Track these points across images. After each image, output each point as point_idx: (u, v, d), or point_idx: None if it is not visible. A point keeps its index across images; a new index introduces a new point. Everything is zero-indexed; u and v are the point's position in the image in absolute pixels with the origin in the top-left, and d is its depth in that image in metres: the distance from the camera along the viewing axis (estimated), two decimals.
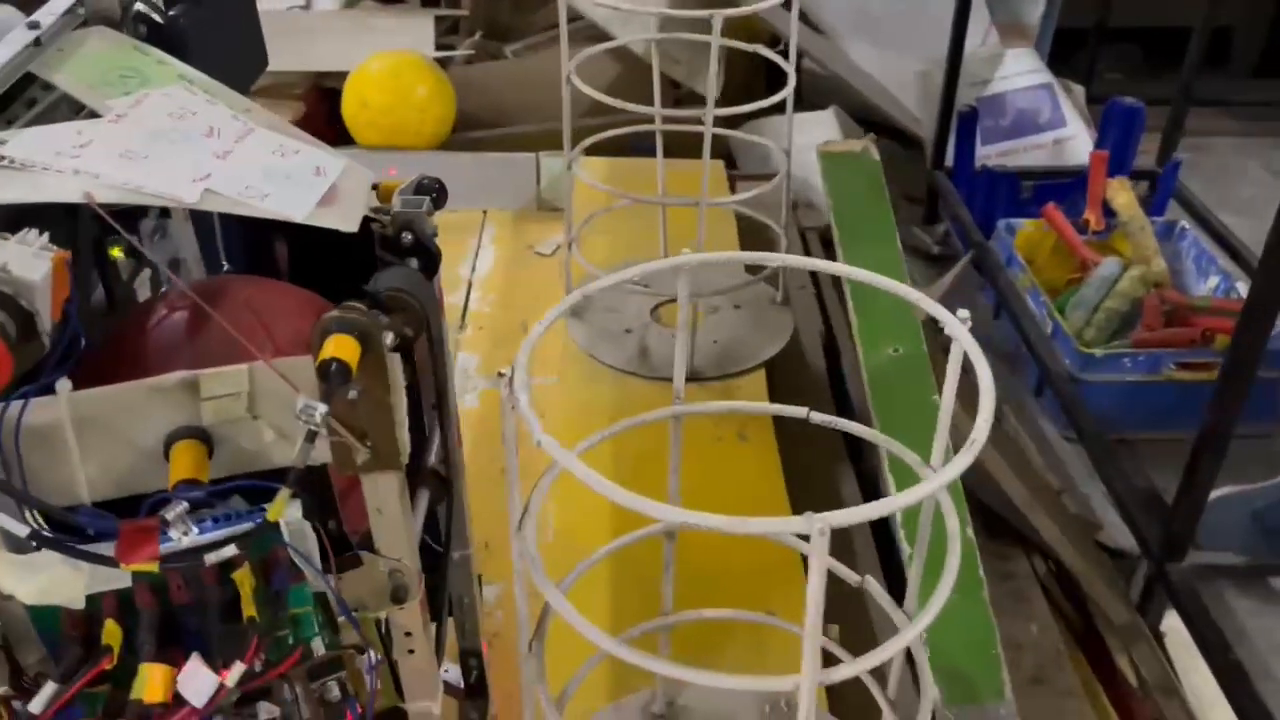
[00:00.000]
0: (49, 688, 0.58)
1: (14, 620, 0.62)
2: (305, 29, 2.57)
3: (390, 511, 0.69)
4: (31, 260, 0.53)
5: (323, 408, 0.57)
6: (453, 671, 1.04)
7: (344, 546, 0.72)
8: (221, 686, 0.59)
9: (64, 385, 0.59)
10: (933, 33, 2.61)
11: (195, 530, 0.59)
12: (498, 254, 2.05)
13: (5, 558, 0.60)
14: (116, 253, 0.85)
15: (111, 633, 0.60)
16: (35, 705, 0.58)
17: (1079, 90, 2.80)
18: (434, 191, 0.81)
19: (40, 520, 0.58)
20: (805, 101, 2.84)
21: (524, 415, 0.66)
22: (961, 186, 2.54)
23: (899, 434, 1.31)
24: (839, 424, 0.87)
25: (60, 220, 0.66)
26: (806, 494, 1.45)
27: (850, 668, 0.66)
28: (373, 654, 0.73)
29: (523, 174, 2.20)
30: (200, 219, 0.83)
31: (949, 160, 2.59)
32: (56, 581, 0.60)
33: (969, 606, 1.14)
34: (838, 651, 0.91)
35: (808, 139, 2.47)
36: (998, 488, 1.37)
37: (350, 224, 0.66)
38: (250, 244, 0.84)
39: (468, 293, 1.93)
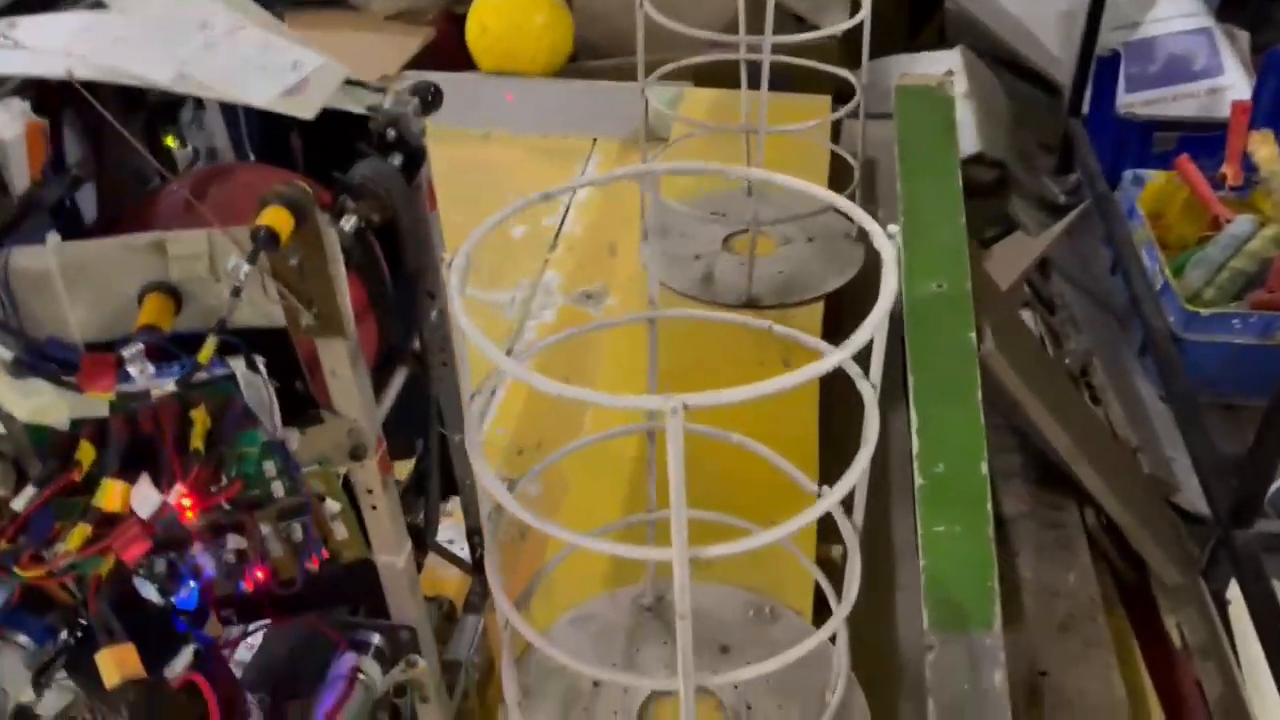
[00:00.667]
0: (28, 490, 0.69)
1: (18, 436, 0.74)
2: None
3: (343, 375, 0.77)
4: (8, 122, 0.63)
5: (246, 266, 0.65)
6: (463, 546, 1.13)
7: (313, 407, 0.80)
8: (164, 504, 0.68)
9: (53, 237, 0.69)
10: None
11: (152, 370, 0.68)
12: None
13: (7, 382, 0.71)
14: (170, 141, 0.96)
15: (85, 451, 0.70)
16: (17, 504, 0.69)
17: (1243, 36, 2.61)
18: (428, 94, 0.88)
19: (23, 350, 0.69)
20: (930, 37, 2.77)
21: (457, 314, 0.71)
22: (1096, 135, 2.44)
23: (930, 368, 1.31)
24: (796, 336, 0.89)
25: (107, 103, 0.76)
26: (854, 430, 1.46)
27: (733, 547, 0.70)
28: (333, 503, 0.82)
29: (633, 103, 2.25)
30: (228, 113, 0.93)
31: (1087, 108, 2.48)
32: (46, 405, 0.71)
33: (970, 539, 1.15)
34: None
35: None
36: (1043, 435, 1.35)
37: (307, 112, 0.74)
38: (270, 137, 0.92)
39: (564, 215, 2.01)
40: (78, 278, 0.70)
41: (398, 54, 2.28)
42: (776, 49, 1.42)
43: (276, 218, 0.66)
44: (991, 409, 1.70)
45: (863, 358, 0.74)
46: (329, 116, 0.88)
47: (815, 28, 2.63)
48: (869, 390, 0.74)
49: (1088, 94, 2.48)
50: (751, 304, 1.56)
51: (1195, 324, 1.84)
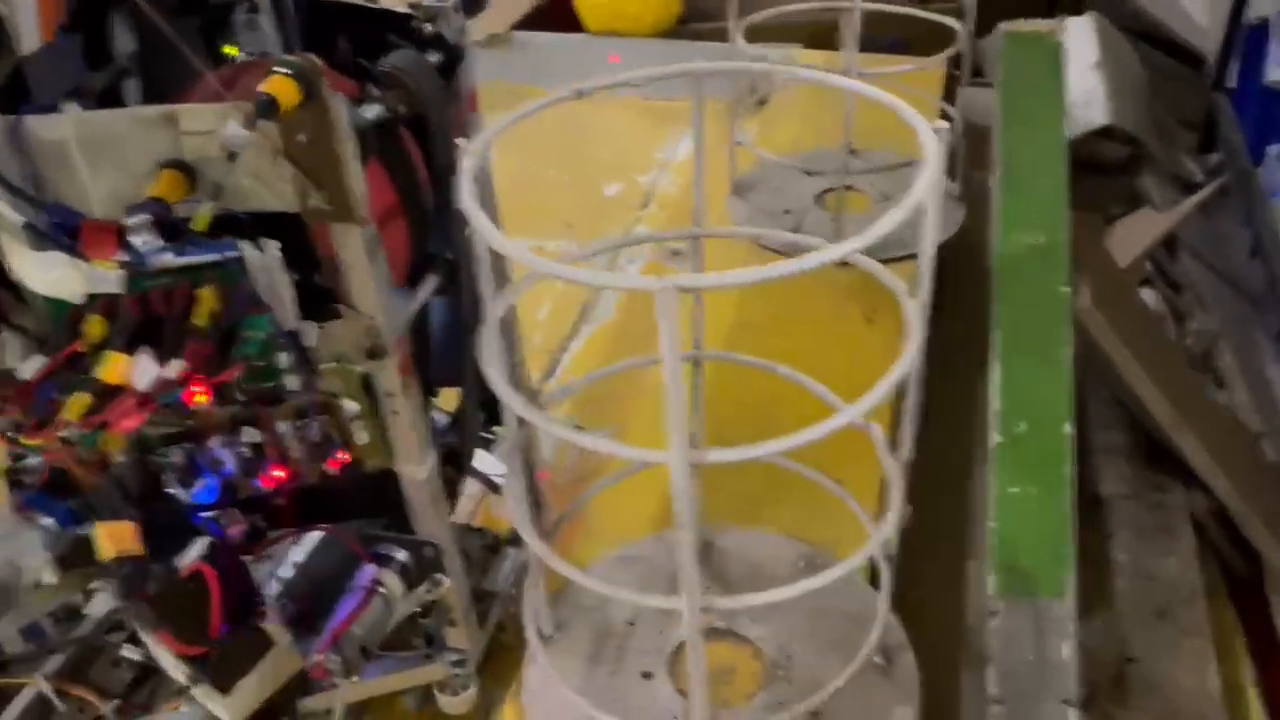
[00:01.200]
0: (35, 359, 0.69)
1: (40, 312, 0.74)
2: None
3: (359, 266, 0.75)
4: None
5: (242, 131, 0.63)
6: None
7: (332, 301, 0.79)
8: (161, 377, 0.67)
9: (70, 107, 0.69)
10: None
11: (159, 242, 0.67)
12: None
13: (27, 255, 0.72)
14: (230, 50, 0.97)
15: (93, 325, 0.70)
16: (24, 371, 0.69)
17: None
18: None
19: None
20: (1067, 6, 2.62)
21: (472, 214, 0.68)
22: (1242, 110, 2.26)
23: (1018, 322, 1.23)
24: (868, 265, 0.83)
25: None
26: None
27: (733, 453, 0.65)
28: (350, 405, 0.80)
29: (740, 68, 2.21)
30: (278, 16, 0.92)
31: (1233, 81, 2.31)
32: (62, 278, 0.71)
33: (1047, 501, 1.06)
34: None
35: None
36: (1143, 405, 1.25)
37: None
38: (317, 40, 0.91)
39: (657, 175, 1.97)
40: (94, 151, 0.70)
41: (508, 14, 2.28)
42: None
43: (280, 86, 0.64)
44: (1096, 381, 1.59)
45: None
46: (374, 17, 0.87)
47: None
48: (900, 287, 0.68)
49: (1234, 67, 2.30)
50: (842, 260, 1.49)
51: None
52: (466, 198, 0.68)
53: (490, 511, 1.27)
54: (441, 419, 1.01)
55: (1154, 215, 1.98)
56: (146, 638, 0.78)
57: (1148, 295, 1.87)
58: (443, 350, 0.98)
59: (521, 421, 0.81)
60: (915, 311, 0.72)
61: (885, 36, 2.04)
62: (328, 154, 0.69)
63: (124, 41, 0.85)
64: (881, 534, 0.78)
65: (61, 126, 0.69)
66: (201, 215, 0.65)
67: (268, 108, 0.63)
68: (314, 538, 0.93)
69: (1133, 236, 1.91)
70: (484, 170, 0.77)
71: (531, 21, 2.31)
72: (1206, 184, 2.31)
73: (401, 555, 0.91)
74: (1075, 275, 1.19)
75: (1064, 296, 1.17)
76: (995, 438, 1.12)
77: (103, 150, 0.70)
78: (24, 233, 0.70)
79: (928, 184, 0.65)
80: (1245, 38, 2.24)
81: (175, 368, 0.68)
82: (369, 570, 0.89)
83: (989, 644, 1.00)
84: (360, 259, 0.75)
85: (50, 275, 0.71)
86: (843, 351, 1.37)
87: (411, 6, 0.83)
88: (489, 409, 1.01)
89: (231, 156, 0.64)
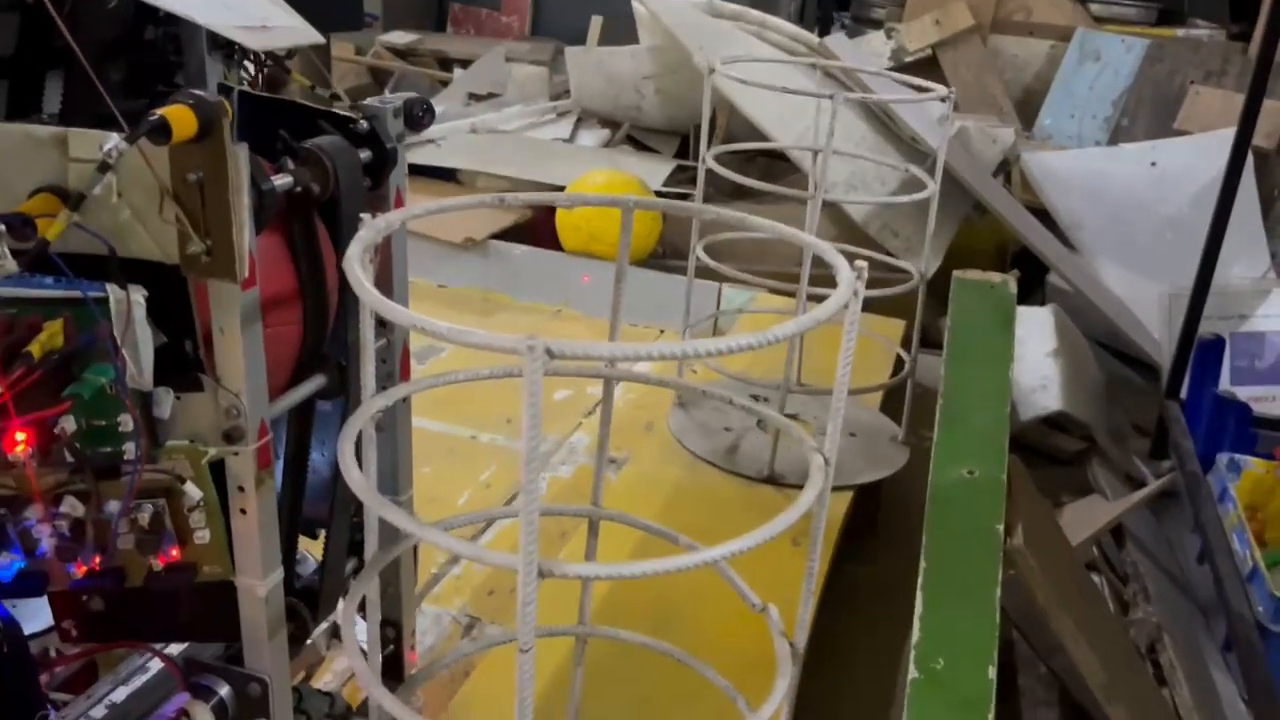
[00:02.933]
0: None
1: None
2: (561, 154, 2.80)
3: (230, 332, 0.69)
4: None
5: (122, 144, 0.59)
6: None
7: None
8: None
9: None
10: (1195, 264, 2.43)
11: (9, 261, 0.62)
12: (654, 368, 2.06)
13: None
14: None
15: None
16: None
17: None
18: (418, 109, 0.85)
19: None
20: (1032, 300, 2.72)
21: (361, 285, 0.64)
22: (1193, 419, 2.28)
23: (945, 555, 1.16)
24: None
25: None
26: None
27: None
28: (193, 491, 0.72)
29: (707, 301, 2.24)
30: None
31: (1185, 392, 2.35)
32: None
33: None
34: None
35: (1021, 333, 2.34)
36: (1073, 667, 1.16)
37: (255, 44, 0.70)
38: (257, 132, 0.89)
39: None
40: None
41: (490, 223, 2.34)
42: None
43: (177, 114, 0.61)
44: (1028, 655, 1.50)
45: None
46: (314, 114, 0.85)
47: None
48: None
49: (1187, 378, 2.35)
50: (772, 480, 1.44)
51: None
52: (353, 262, 0.63)
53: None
54: (311, 562, 0.92)
55: (1102, 503, 1.95)
56: None
57: (1093, 579, 1.81)
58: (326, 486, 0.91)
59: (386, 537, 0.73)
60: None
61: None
62: (218, 201, 0.65)
63: (51, 101, 0.83)
64: None
65: None
66: (55, 224, 0.60)
67: (157, 128, 0.60)
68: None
69: (1081, 521, 1.87)
70: (398, 256, 0.73)
71: (511, 234, 2.36)
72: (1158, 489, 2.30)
73: (224, 690, 0.80)
74: (1010, 515, 1.14)
75: (996, 533, 1.11)
76: (912, 672, 1.03)
77: None
78: None
79: (834, 305, 0.61)
80: (1198, 350, 2.30)
81: None
82: (178, 700, 0.77)
83: None
84: (233, 324, 0.69)
85: None
86: (761, 567, 1.29)
87: (352, 108, 0.82)
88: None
89: (103, 168, 0.60)
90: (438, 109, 0.91)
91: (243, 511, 0.74)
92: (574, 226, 2.28)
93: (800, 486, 1.43)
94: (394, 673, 0.99)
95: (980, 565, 1.09)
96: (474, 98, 3.57)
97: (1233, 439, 2.14)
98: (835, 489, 1.46)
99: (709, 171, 1.59)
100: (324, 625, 0.91)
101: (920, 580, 1.10)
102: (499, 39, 4.24)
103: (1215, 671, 1.68)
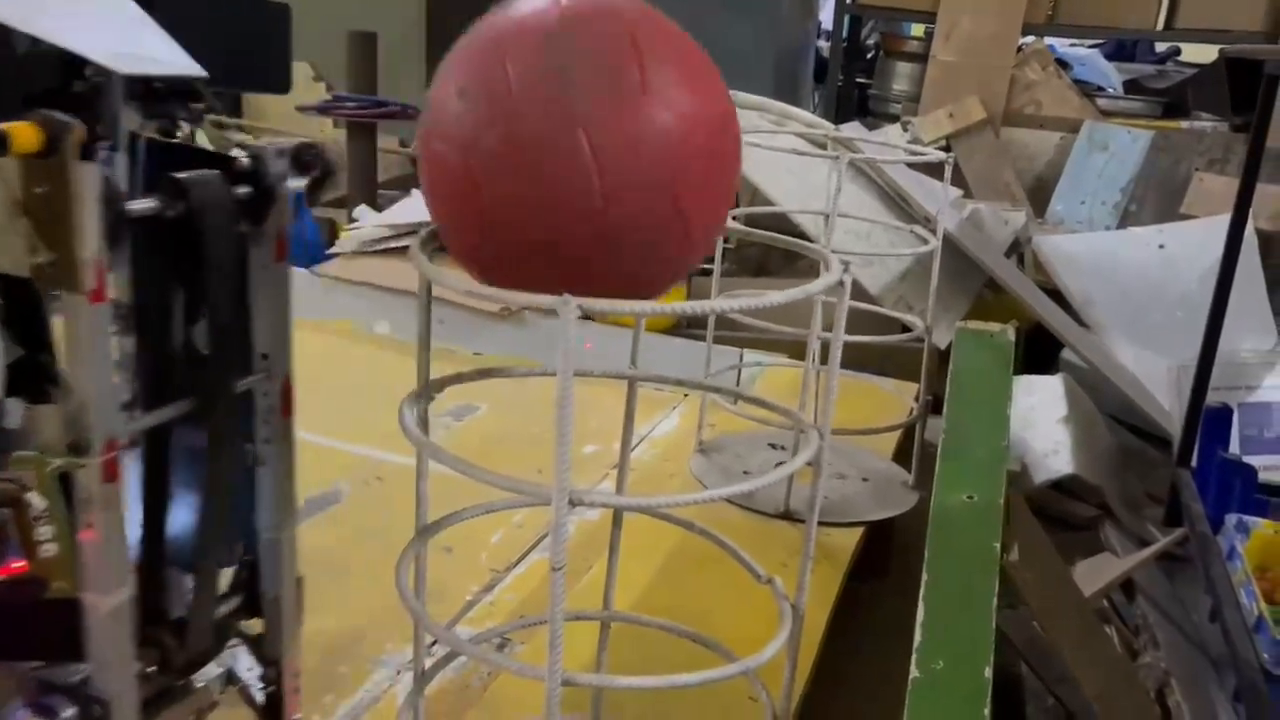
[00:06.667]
0: None
1: None
2: None
3: (81, 343, 0.71)
4: None
5: None
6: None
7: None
8: None
9: None
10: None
11: None
12: (681, 425, 2.16)
13: None
14: None
15: None
16: None
17: None
18: (308, 155, 0.84)
19: None
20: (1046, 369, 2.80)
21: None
22: (1203, 484, 2.34)
23: (945, 570, 1.24)
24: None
25: None
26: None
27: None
28: (37, 499, 0.73)
29: (727, 364, 2.34)
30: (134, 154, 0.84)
31: (1195, 459, 2.41)
32: None
33: None
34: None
35: (1033, 400, 2.43)
36: (1074, 688, 1.22)
37: (121, 67, 0.76)
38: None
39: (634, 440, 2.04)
40: None
41: None
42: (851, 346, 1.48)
43: (21, 129, 0.65)
44: (1042, 685, 1.55)
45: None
46: (207, 158, 0.83)
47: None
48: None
49: (1196, 446, 2.41)
50: (788, 515, 1.52)
51: None
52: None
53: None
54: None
55: (1114, 559, 2.01)
56: None
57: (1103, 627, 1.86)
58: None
59: None
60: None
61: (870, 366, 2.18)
62: (64, 213, 0.68)
63: None
64: None
65: None
66: None
67: None
68: None
69: (1092, 576, 1.93)
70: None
71: None
72: (1174, 555, 2.35)
73: (69, 712, 0.76)
74: (1007, 535, 1.22)
75: (993, 550, 1.19)
76: (913, 673, 1.10)
77: None
78: None
79: (823, 283, 0.71)
80: (1206, 418, 2.37)
81: None
82: (19, 716, 0.76)
83: None
84: (84, 335, 0.71)
85: None
86: (748, 597, 1.37)
87: (238, 147, 0.83)
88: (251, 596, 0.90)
89: None
90: None
91: (90, 525, 0.73)
92: None
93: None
94: (274, 715, 0.92)
95: (978, 578, 1.17)
96: None
97: (1240, 501, 2.20)
98: (847, 525, 1.55)
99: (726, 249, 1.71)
100: (218, 670, 0.90)
101: (922, 591, 1.18)
102: None
103: (1223, 716, 1.72)
